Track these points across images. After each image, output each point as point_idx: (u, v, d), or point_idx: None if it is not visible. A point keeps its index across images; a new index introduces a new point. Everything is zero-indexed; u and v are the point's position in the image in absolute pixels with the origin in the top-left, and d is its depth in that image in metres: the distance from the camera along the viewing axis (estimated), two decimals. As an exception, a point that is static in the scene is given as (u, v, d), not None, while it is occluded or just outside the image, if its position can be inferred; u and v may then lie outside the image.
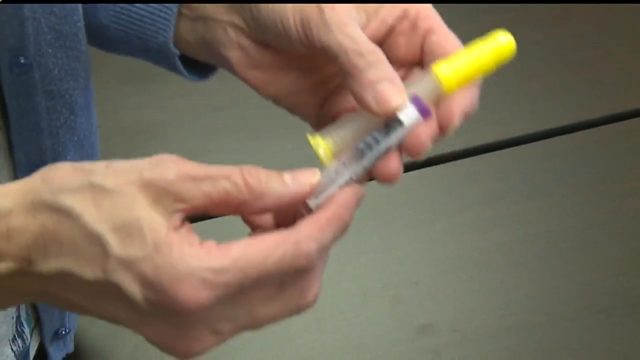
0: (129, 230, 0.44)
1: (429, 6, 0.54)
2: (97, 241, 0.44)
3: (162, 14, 0.60)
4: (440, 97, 0.50)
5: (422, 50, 0.53)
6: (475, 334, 1.04)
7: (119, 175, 0.45)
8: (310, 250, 0.45)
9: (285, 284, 0.46)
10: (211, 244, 0.44)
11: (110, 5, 0.61)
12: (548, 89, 1.35)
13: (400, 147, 0.50)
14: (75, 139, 0.65)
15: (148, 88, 1.34)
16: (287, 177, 0.47)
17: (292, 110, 0.58)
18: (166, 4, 0.59)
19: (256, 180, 0.46)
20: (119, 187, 0.45)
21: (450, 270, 1.12)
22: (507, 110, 1.31)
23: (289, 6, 0.53)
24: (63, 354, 0.76)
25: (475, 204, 1.19)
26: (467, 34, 0.55)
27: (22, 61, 0.57)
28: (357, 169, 0.49)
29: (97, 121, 0.71)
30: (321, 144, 0.51)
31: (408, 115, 0.50)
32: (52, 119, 0.61)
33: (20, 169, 0.61)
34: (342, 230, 0.47)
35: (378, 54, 0.51)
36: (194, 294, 0.43)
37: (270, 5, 0.54)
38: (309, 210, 0.48)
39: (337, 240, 0.47)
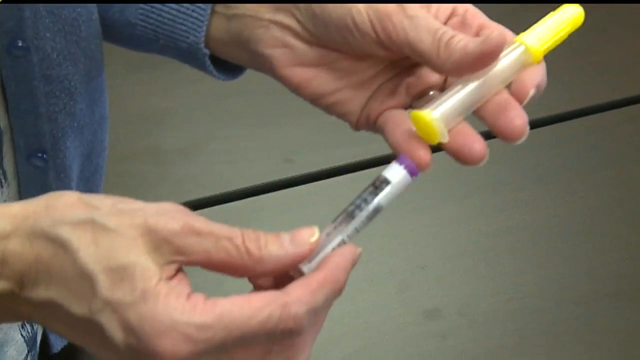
0: (121, 273, 0.43)
1: (472, 5, 0.54)
2: (87, 279, 0.44)
3: (194, 14, 0.59)
4: (526, 66, 0.52)
5: None
6: (482, 319, 1.04)
7: (123, 216, 0.45)
8: (299, 313, 0.44)
9: (272, 347, 0.46)
10: (198, 298, 0.44)
11: (140, 4, 0.61)
12: (553, 75, 1.31)
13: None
14: (75, 124, 0.64)
15: (155, 75, 1.34)
16: (286, 239, 0.47)
17: (332, 108, 0.58)
18: (200, 4, 0.59)
19: (255, 246, 0.46)
20: (121, 229, 0.44)
21: (457, 255, 1.12)
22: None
23: (360, 5, 0.52)
24: (64, 344, 0.77)
25: (482, 189, 1.19)
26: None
27: (20, 44, 0.56)
28: (348, 231, 0.49)
29: (107, 111, 0.71)
30: (435, 121, 0.50)
31: (395, 173, 0.50)
32: (51, 103, 0.61)
33: (19, 154, 0.61)
34: (336, 293, 0.47)
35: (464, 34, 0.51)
36: (173, 348, 0.43)
37: (337, 4, 0.53)
38: (302, 275, 0.48)
39: (330, 303, 0.47)
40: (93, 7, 0.62)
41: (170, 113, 1.32)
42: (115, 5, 0.62)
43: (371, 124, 0.57)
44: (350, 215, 0.50)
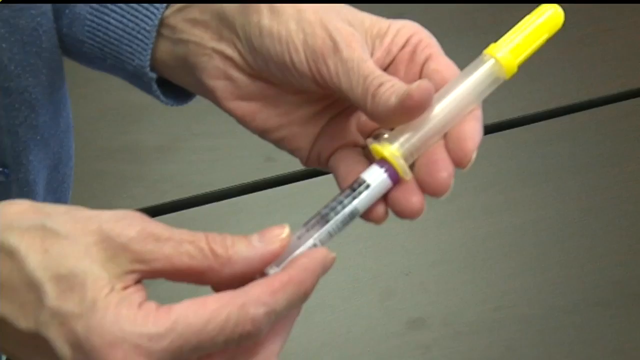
0: (71, 282, 0.41)
1: (428, 34, 0.51)
2: (34, 288, 0.41)
3: (140, 36, 0.56)
4: (499, 81, 0.48)
5: (419, 78, 0.50)
6: (468, 329, 1.01)
7: (77, 222, 0.42)
8: (257, 315, 0.42)
9: (233, 354, 0.43)
10: (151, 306, 0.41)
11: (87, 21, 0.58)
12: (545, 68, 1.29)
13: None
14: (38, 137, 0.61)
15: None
16: (255, 238, 0.44)
17: (280, 144, 0.54)
18: (145, 27, 0.56)
19: (222, 247, 0.43)
20: (74, 235, 0.41)
21: (443, 260, 1.08)
22: (502, 91, 1.25)
23: (296, 37, 0.49)
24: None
25: (470, 191, 1.15)
26: None
27: None
28: (321, 235, 0.46)
29: (71, 119, 0.69)
30: (396, 154, 0.47)
31: (374, 176, 0.47)
32: (11, 117, 0.58)
33: None
34: (300, 296, 0.43)
35: (397, 80, 0.48)
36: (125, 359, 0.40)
37: (275, 35, 0.50)
38: None
39: (293, 308, 0.43)
40: None
41: (148, 109, 1.28)
42: (64, 18, 0.59)
43: (323, 163, 0.54)
44: (324, 219, 0.46)
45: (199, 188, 1.17)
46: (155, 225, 0.43)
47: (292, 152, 0.54)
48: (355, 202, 0.47)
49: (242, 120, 0.54)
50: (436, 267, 1.07)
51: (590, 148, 1.21)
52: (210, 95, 0.54)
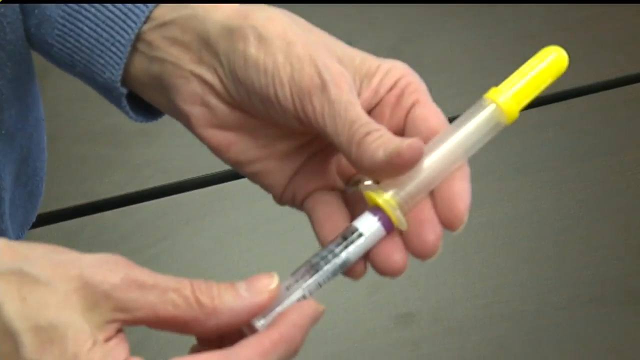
0: (50, 334, 0.39)
1: (417, 78, 0.50)
2: (11, 338, 0.39)
3: (113, 48, 0.53)
4: (499, 127, 0.48)
5: (405, 123, 0.48)
6: (459, 325, 0.99)
7: (56, 267, 0.41)
8: None
9: None
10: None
11: (58, 24, 0.55)
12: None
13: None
14: (3, 132, 0.59)
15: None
16: (242, 287, 0.43)
17: (254, 178, 0.52)
18: (120, 40, 0.53)
19: (208, 296, 0.42)
20: (53, 282, 0.40)
21: (433, 252, 1.05)
22: (497, 74, 1.22)
23: (283, 71, 0.47)
24: None
25: (462, 180, 1.12)
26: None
27: None
28: (310, 285, 0.45)
29: (42, 112, 0.67)
30: (391, 202, 0.45)
31: (368, 225, 0.45)
32: None
33: None
34: (291, 354, 0.43)
35: (385, 130, 0.46)
36: None
37: (261, 66, 0.47)
38: (254, 331, 0.44)
39: None
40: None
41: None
42: (32, 18, 0.56)
43: (297, 204, 0.52)
44: (314, 268, 0.45)
45: (184, 174, 1.14)
46: (139, 272, 0.41)
47: (266, 188, 0.52)
48: (348, 252, 0.45)
49: (215, 150, 0.51)
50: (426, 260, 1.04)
51: (588, 136, 1.18)
52: (183, 119, 0.52)
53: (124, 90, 0.54)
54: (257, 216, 1.06)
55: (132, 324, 0.42)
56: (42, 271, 0.41)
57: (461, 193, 0.47)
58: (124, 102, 0.55)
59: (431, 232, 0.46)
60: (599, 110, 1.21)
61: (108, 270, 0.41)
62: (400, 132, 0.49)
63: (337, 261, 0.45)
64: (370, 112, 0.49)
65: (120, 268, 0.41)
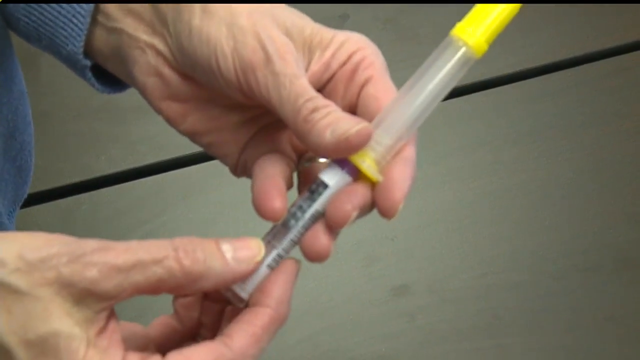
0: (42, 346, 0.39)
1: (374, 50, 0.48)
2: (5, 352, 0.40)
3: (74, 20, 0.53)
4: (470, 63, 0.46)
5: (357, 100, 0.47)
6: (454, 296, 0.98)
7: (33, 271, 0.40)
8: None
9: None
10: (134, 358, 0.41)
11: None
12: (537, 21, 1.24)
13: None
14: None
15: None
16: (228, 252, 0.43)
17: (209, 149, 0.52)
18: (80, 12, 0.52)
19: (193, 261, 0.42)
20: (33, 290, 0.40)
21: (428, 224, 1.05)
22: (492, 46, 1.21)
23: (226, 43, 0.46)
24: None
25: (456, 151, 1.11)
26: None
27: None
28: (284, 244, 0.45)
29: (23, 85, 0.66)
30: (367, 159, 0.45)
31: (332, 176, 0.45)
32: None
33: None
34: (280, 328, 0.44)
35: (333, 106, 0.45)
36: None
37: (204, 37, 0.46)
38: (238, 299, 0.44)
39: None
40: None
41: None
42: None
43: (249, 172, 0.51)
44: (285, 226, 0.45)
45: (180, 150, 1.13)
46: (115, 253, 0.41)
47: (221, 159, 0.52)
48: (317, 204, 0.45)
49: (171, 122, 0.51)
50: (422, 231, 1.04)
51: (584, 105, 1.17)
52: (141, 90, 0.51)
53: (87, 62, 0.53)
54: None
55: (121, 301, 0.42)
56: (21, 279, 0.40)
57: (400, 180, 0.46)
58: (89, 74, 0.54)
59: (398, 190, 0.46)
60: (594, 79, 1.20)
61: (85, 264, 0.41)
62: (354, 109, 0.48)
63: (307, 216, 0.45)
64: (323, 87, 0.48)
65: (97, 257, 0.41)
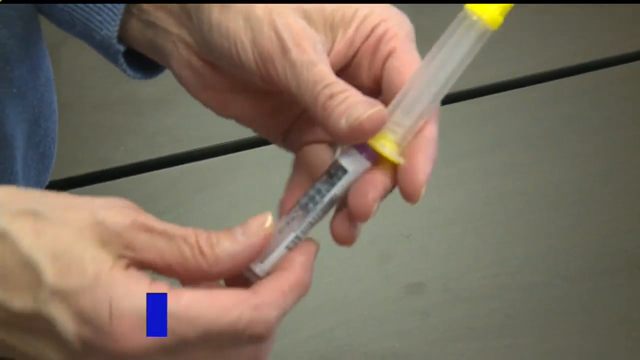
0: (68, 260, 0.40)
1: (399, 21, 0.47)
2: (30, 268, 0.40)
3: (109, 6, 0.53)
4: (487, 37, 0.44)
5: (381, 74, 0.47)
6: (468, 295, 0.98)
7: (68, 209, 0.42)
8: (270, 317, 0.42)
9: (233, 352, 0.43)
10: (162, 286, 0.41)
11: None
12: (556, 25, 1.25)
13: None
14: (14, 91, 0.60)
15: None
16: (238, 232, 0.43)
17: (257, 131, 0.53)
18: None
19: (209, 245, 0.42)
20: (65, 220, 0.41)
21: (445, 223, 1.05)
22: (509, 48, 1.22)
23: (244, 35, 0.46)
24: None
25: (474, 152, 1.12)
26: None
27: None
28: (302, 226, 0.46)
29: (51, 72, 0.67)
30: (387, 143, 0.45)
31: (351, 161, 0.46)
32: None
33: None
34: (302, 296, 0.44)
35: (351, 91, 0.45)
36: (133, 335, 0.40)
37: (223, 31, 0.47)
38: (255, 277, 0.44)
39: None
40: None
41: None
42: None
43: (294, 152, 0.52)
44: (304, 209, 0.46)
45: (198, 142, 1.14)
46: (147, 217, 0.42)
47: (272, 141, 0.53)
48: (335, 188, 0.45)
49: (216, 112, 0.52)
50: (437, 230, 1.04)
51: (600, 109, 1.17)
52: (181, 83, 0.52)
53: (120, 47, 0.54)
54: (269, 184, 1.06)
55: (139, 265, 0.42)
56: (54, 211, 0.41)
57: (423, 162, 0.46)
58: (121, 59, 0.55)
59: (421, 173, 0.46)
60: (611, 84, 1.20)
61: (118, 212, 0.42)
62: (379, 83, 0.47)
63: (325, 200, 0.46)
64: (349, 63, 0.48)
65: (131, 212, 0.42)
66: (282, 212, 0.48)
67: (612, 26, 1.27)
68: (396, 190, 1.13)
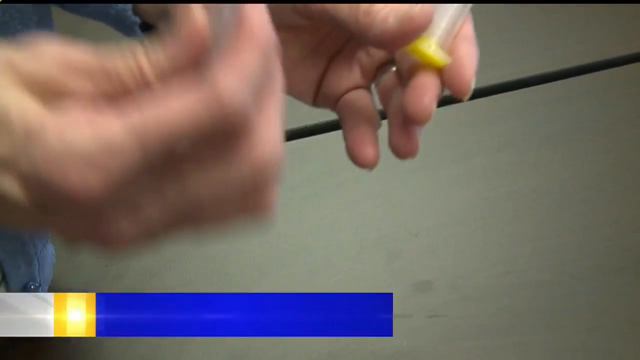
0: None
1: None
2: None
3: None
4: None
5: None
6: (476, 293, 0.98)
7: None
8: (234, 93, 0.33)
9: (223, 156, 0.35)
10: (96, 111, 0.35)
11: None
12: (565, 24, 1.25)
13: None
14: None
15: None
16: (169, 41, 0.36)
17: (291, 90, 0.51)
18: None
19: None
20: None
21: (453, 222, 1.05)
22: (518, 48, 1.22)
23: None
24: None
25: (484, 150, 1.11)
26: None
27: None
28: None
29: None
30: (432, 44, 0.46)
31: None
32: None
33: None
34: (265, 50, 0.35)
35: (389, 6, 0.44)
36: (83, 181, 0.34)
37: None
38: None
39: (266, 76, 0.35)
40: None
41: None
42: None
43: (331, 105, 0.52)
44: None
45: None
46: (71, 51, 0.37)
47: (300, 97, 0.52)
48: None
49: None
50: (445, 228, 1.04)
51: (609, 109, 1.16)
52: None
53: (136, 19, 0.54)
54: (312, 177, 1.05)
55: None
56: None
57: (466, 58, 0.46)
58: (138, 30, 0.55)
59: (468, 67, 0.45)
60: (620, 84, 1.19)
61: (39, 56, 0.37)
62: None
63: None
64: None
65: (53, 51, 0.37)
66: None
67: (621, 26, 1.26)
68: (402, 188, 1.13)
